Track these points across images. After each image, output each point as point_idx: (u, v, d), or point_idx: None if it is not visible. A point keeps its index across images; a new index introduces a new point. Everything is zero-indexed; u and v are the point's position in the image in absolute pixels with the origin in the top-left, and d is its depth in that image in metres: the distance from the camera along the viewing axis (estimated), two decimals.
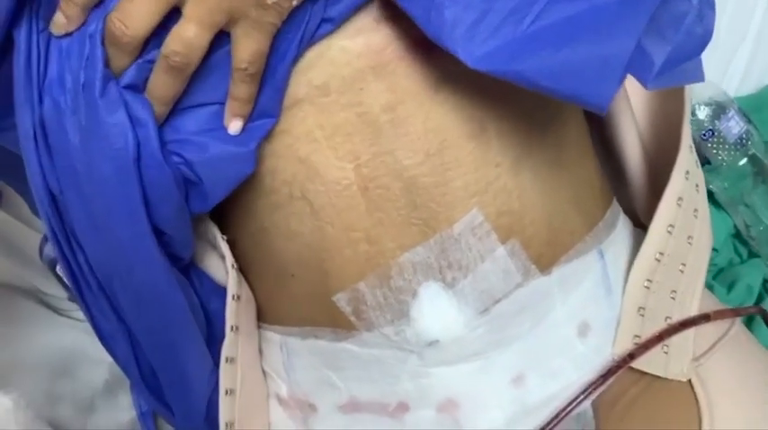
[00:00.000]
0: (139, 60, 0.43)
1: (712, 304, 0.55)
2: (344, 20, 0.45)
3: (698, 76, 0.47)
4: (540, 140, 0.48)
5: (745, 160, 0.73)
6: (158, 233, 0.46)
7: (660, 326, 0.51)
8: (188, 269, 0.51)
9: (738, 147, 0.73)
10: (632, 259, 0.51)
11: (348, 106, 0.46)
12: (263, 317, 0.54)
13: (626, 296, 0.50)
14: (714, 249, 0.54)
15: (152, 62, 0.43)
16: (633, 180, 0.57)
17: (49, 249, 0.67)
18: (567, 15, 0.39)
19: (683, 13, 0.43)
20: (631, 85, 0.49)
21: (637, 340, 0.50)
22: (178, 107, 0.45)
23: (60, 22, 0.42)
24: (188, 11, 0.41)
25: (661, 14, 0.42)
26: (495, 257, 0.47)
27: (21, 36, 0.44)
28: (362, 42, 0.45)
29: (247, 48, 0.42)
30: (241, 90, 0.44)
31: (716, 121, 0.73)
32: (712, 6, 0.45)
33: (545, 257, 0.48)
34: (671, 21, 0.42)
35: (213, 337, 0.51)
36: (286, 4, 0.42)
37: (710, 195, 0.75)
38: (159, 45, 0.42)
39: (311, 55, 0.45)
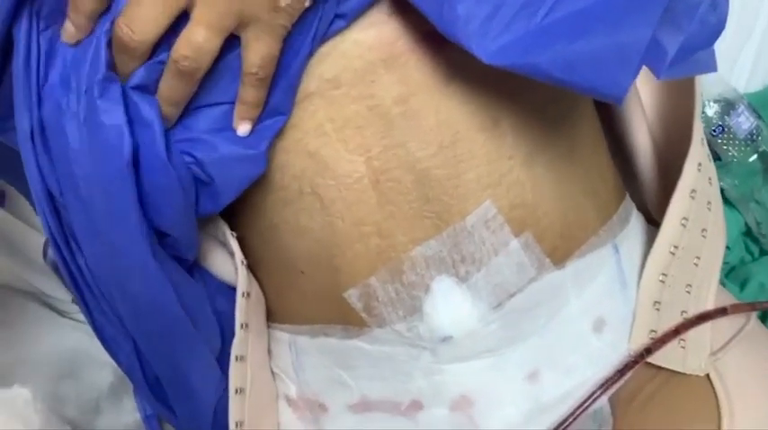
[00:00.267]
0: (149, 61, 0.42)
1: (727, 299, 0.55)
2: (357, 16, 0.44)
3: (710, 66, 0.46)
4: (554, 133, 0.48)
5: (755, 156, 0.72)
6: (162, 235, 0.45)
7: (676, 320, 0.50)
8: (192, 268, 0.50)
9: (749, 142, 0.72)
10: (646, 254, 0.50)
11: (359, 99, 0.45)
12: (271, 316, 0.54)
13: (641, 290, 0.49)
14: (726, 247, 0.54)
15: (162, 63, 0.42)
16: (644, 176, 0.56)
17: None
18: (580, 7, 0.39)
19: (697, 2, 0.43)
20: (639, 79, 0.49)
21: (653, 335, 0.49)
22: (190, 106, 0.44)
23: (70, 31, 0.42)
24: (197, 15, 0.41)
25: (676, 3, 0.41)
26: (508, 250, 0.46)
27: (20, 36, 0.43)
28: (374, 35, 0.45)
29: (258, 52, 0.42)
30: (250, 94, 0.43)
31: (725, 117, 0.72)
32: None
33: (559, 251, 0.48)
34: (685, 10, 0.42)
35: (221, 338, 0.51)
36: (298, 5, 0.41)
37: (721, 193, 0.74)
38: (170, 47, 0.42)
39: (323, 49, 0.45)
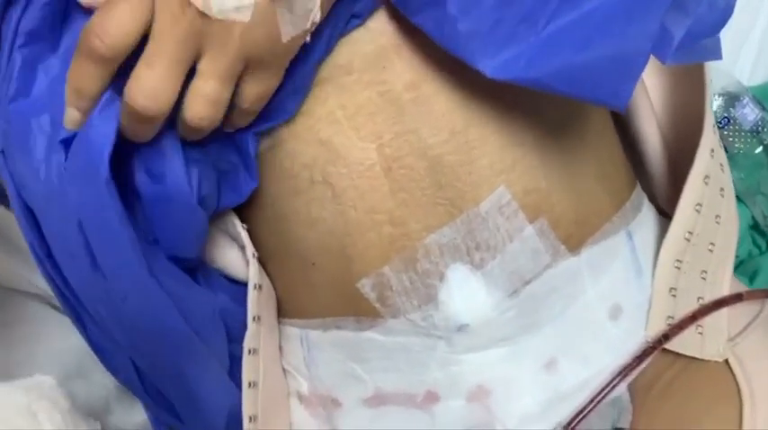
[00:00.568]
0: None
1: (741, 287, 0.54)
2: (372, 12, 0.44)
3: (716, 53, 0.46)
4: (565, 118, 0.48)
5: (760, 148, 0.72)
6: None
7: (693, 306, 0.49)
8: (193, 266, 0.49)
9: (754, 134, 0.72)
10: (660, 242, 0.49)
11: (371, 85, 0.45)
12: (282, 311, 0.53)
13: (657, 277, 0.49)
14: None
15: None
16: (653, 166, 0.56)
17: None
18: (579, 15, 0.39)
19: None
20: (645, 72, 0.49)
21: (670, 321, 0.49)
22: None
23: (74, 118, 0.39)
24: (206, 67, 0.38)
25: None
26: (523, 237, 0.46)
27: None
28: (385, 20, 0.44)
29: (255, 91, 0.41)
30: (238, 122, 0.43)
31: (731, 109, 0.72)
32: None
33: (574, 238, 0.47)
34: None
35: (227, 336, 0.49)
36: (302, 34, 0.40)
37: None
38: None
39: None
